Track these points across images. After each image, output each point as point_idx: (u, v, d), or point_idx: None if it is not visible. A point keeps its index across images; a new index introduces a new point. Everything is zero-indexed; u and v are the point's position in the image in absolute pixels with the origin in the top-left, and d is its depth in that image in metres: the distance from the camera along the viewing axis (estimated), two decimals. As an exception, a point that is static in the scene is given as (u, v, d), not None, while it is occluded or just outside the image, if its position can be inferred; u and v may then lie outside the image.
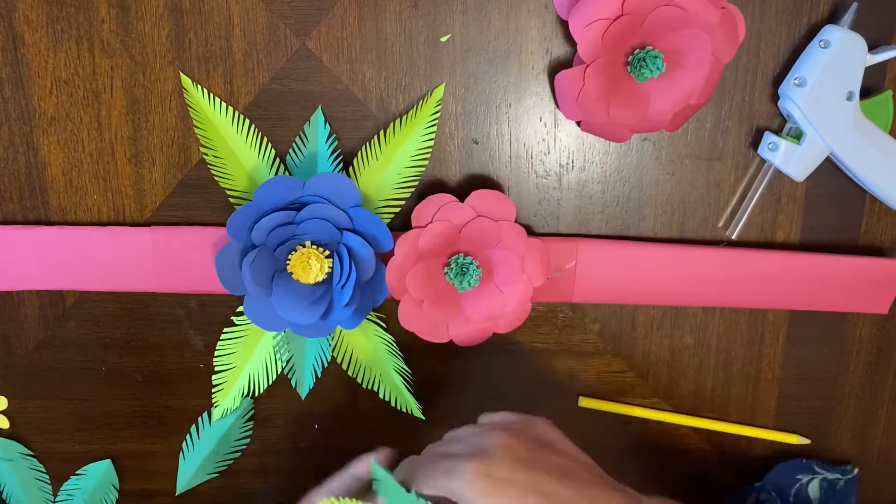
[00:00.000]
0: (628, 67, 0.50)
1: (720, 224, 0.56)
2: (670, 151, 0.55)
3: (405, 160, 0.54)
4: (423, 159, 0.54)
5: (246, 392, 0.58)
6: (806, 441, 0.61)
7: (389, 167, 0.54)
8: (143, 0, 0.52)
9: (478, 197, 0.52)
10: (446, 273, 0.53)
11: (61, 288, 0.57)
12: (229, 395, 0.58)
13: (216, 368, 0.58)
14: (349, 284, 0.52)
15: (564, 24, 0.52)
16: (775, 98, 0.54)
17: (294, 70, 0.54)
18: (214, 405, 0.58)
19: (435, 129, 0.54)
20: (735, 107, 0.54)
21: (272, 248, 0.52)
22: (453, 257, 0.53)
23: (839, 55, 0.50)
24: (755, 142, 0.55)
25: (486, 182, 0.56)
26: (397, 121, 0.53)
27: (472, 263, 0.53)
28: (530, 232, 0.56)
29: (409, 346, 0.58)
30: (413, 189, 0.54)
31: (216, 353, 0.57)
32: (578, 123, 0.54)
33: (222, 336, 0.57)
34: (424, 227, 0.52)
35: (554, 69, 0.53)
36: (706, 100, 0.51)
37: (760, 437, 0.60)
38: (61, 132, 0.55)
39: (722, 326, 0.59)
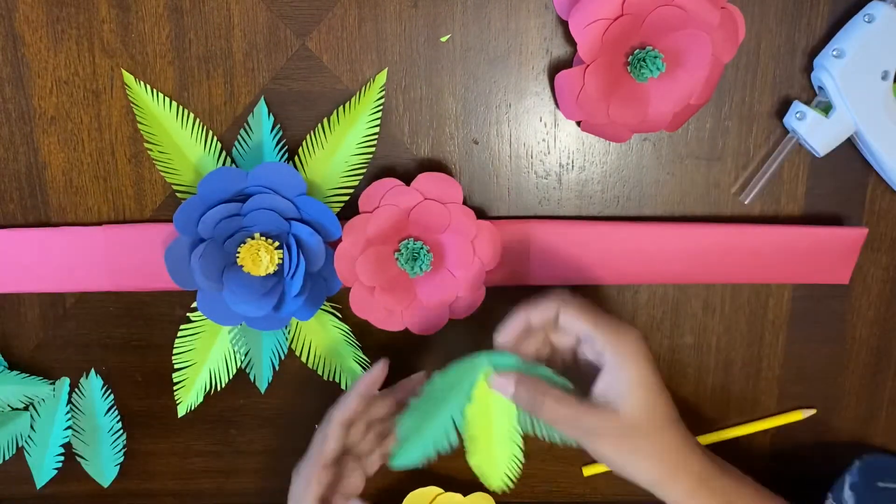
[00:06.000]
0: (628, 67, 0.50)
1: (734, 190, 0.56)
2: (670, 151, 0.55)
3: (351, 148, 0.53)
4: (370, 146, 0.53)
5: (208, 388, 0.58)
6: (811, 412, 0.60)
7: (336, 156, 0.54)
8: (143, 0, 0.52)
9: (424, 180, 0.52)
10: (397, 259, 0.53)
11: (16, 291, 0.57)
12: (191, 392, 0.58)
13: (175, 366, 0.57)
14: (298, 274, 0.51)
15: (564, 24, 0.52)
16: (776, 97, 0.54)
17: (294, 70, 0.54)
18: (178, 402, 0.58)
19: (380, 115, 0.53)
20: (735, 107, 0.54)
21: (220, 241, 0.52)
22: (403, 242, 0.53)
23: (882, 31, 0.50)
24: (755, 141, 0.55)
25: (485, 181, 0.55)
26: (340, 108, 0.53)
27: (422, 248, 0.52)
28: (481, 214, 0.55)
29: (371, 335, 0.57)
30: (361, 177, 0.54)
31: (175, 351, 0.57)
32: (578, 123, 0.54)
33: (179, 333, 0.57)
34: (372, 212, 0.52)
35: (554, 69, 0.53)
36: (706, 100, 0.51)
37: (768, 426, 0.60)
38: (61, 132, 0.55)
39: (722, 326, 0.59)
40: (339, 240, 0.52)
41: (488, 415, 0.49)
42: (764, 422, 0.60)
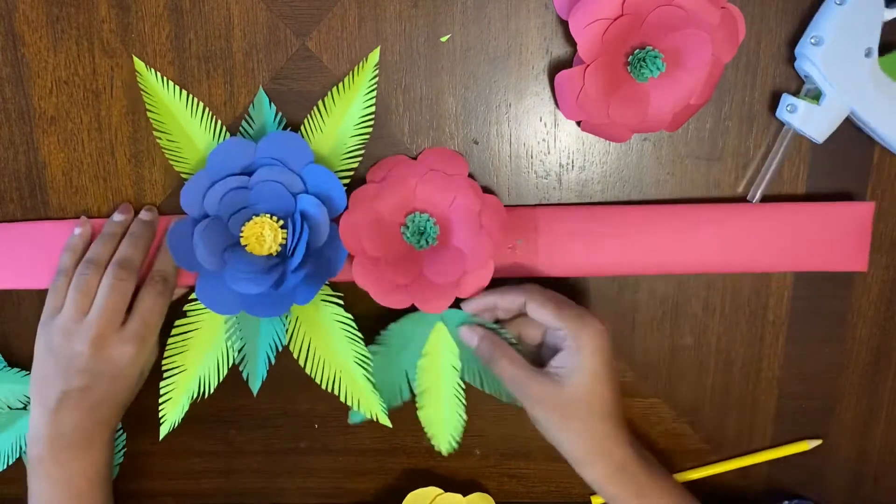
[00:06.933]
0: (628, 67, 0.50)
1: (739, 189, 0.56)
2: (670, 151, 0.55)
3: (349, 129, 0.53)
4: (367, 126, 0.53)
5: (195, 395, 0.55)
6: (817, 442, 0.60)
7: (335, 137, 0.54)
8: (143, 0, 0.52)
9: (430, 154, 0.53)
10: (403, 233, 0.53)
11: (15, 287, 0.57)
12: (177, 407, 0.55)
13: (164, 373, 0.55)
14: (301, 244, 0.51)
15: (564, 24, 0.52)
16: (776, 98, 0.54)
17: (294, 70, 0.54)
18: (162, 421, 0.55)
19: (374, 94, 0.53)
20: (735, 107, 0.54)
21: (225, 219, 0.52)
22: (409, 216, 0.53)
23: (855, 12, 0.50)
24: (755, 141, 0.55)
25: (485, 181, 0.56)
26: (335, 88, 0.53)
27: (428, 220, 0.52)
28: (487, 191, 0.55)
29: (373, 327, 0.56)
30: (360, 158, 0.54)
31: (166, 353, 0.55)
32: (578, 123, 0.54)
33: (172, 332, 0.54)
34: (379, 182, 0.52)
35: (554, 69, 0.53)
36: (706, 100, 0.51)
37: (771, 457, 0.60)
38: (61, 132, 0.55)
39: (722, 326, 0.59)
40: (344, 212, 0.52)
41: (437, 370, 0.55)
42: (767, 452, 0.60)
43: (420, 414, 0.56)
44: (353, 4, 0.52)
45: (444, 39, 0.53)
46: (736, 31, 0.50)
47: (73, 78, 0.54)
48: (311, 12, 0.53)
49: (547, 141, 0.55)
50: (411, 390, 0.56)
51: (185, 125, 0.54)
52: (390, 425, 0.56)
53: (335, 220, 0.52)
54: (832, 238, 0.55)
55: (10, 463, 0.59)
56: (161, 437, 0.55)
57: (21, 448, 0.59)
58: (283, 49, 0.53)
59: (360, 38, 0.53)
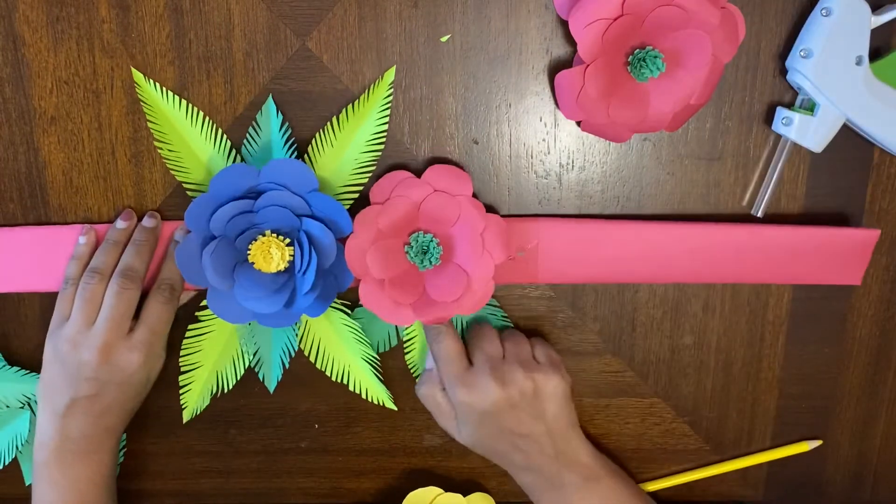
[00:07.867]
0: (628, 67, 0.50)
1: (743, 203, 0.56)
2: (670, 151, 0.55)
3: (360, 145, 0.53)
4: (379, 143, 0.54)
5: (214, 390, 0.58)
6: (817, 443, 0.60)
7: (346, 153, 0.54)
8: (143, 0, 0.52)
9: (434, 172, 0.52)
10: (407, 252, 0.53)
11: (16, 291, 0.57)
12: (198, 396, 0.58)
13: (182, 369, 0.57)
14: (310, 270, 0.51)
15: (564, 24, 0.52)
16: (776, 98, 0.54)
17: (294, 70, 0.54)
18: (184, 407, 0.58)
19: (388, 112, 0.53)
20: (735, 107, 0.54)
21: (232, 238, 0.52)
22: (413, 235, 0.53)
23: (843, 21, 0.50)
24: (755, 141, 0.55)
25: (485, 181, 0.56)
26: (349, 106, 0.53)
27: (432, 241, 0.52)
28: (490, 210, 0.56)
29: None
30: (370, 174, 0.54)
31: (182, 353, 0.57)
32: (578, 123, 0.54)
33: (187, 333, 0.56)
34: (383, 203, 0.52)
35: (554, 69, 0.53)
36: (706, 100, 0.51)
37: (772, 458, 0.60)
38: (61, 132, 0.55)
39: (722, 326, 0.59)
40: (350, 235, 0.52)
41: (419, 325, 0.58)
42: (767, 453, 0.60)
43: (407, 357, 0.58)
44: (353, 4, 0.52)
45: (444, 39, 0.53)
46: (736, 31, 0.50)
47: (73, 78, 0.54)
48: (312, 12, 0.53)
49: (547, 141, 0.55)
50: (399, 338, 0.58)
51: (186, 135, 0.54)
52: (395, 408, 0.58)
53: (341, 241, 0.52)
54: (833, 259, 0.56)
55: (7, 462, 0.59)
56: (185, 421, 0.58)
57: (18, 448, 0.58)
58: (283, 49, 0.53)
59: (360, 38, 0.53)
